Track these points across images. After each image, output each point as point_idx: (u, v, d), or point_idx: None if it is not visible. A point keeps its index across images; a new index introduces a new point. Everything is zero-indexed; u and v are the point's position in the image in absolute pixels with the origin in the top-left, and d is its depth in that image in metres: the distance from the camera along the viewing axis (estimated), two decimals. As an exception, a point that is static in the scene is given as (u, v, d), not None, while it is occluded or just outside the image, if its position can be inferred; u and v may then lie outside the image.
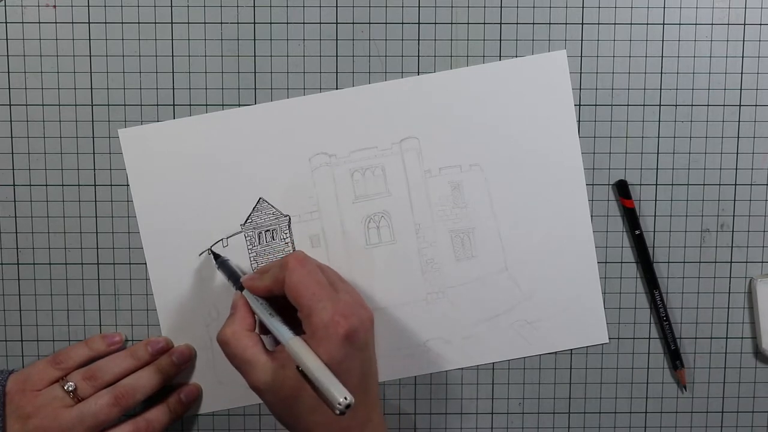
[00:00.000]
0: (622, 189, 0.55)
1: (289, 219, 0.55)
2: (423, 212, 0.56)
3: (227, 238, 0.55)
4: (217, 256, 0.54)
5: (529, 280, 0.56)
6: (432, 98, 0.55)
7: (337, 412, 0.43)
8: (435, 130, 0.55)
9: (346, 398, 0.43)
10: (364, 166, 0.55)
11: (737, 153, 0.56)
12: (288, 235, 0.55)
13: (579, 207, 0.56)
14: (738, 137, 0.55)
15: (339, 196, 0.55)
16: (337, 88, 0.55)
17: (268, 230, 0.55)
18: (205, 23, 0.54)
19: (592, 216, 0.56)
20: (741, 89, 0.55)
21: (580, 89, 0.55)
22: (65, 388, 0.52)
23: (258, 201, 0.55)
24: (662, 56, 0.55)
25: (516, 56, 0.54)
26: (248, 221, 0.55)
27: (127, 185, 0.55)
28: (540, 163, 0.55)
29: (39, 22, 0.54)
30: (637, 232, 0.55)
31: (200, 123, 0.55)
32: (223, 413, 0.57)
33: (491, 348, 0.57)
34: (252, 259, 0.55)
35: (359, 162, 0.55)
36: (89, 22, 0.54)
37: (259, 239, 0.55)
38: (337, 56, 0.55)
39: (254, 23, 0.54)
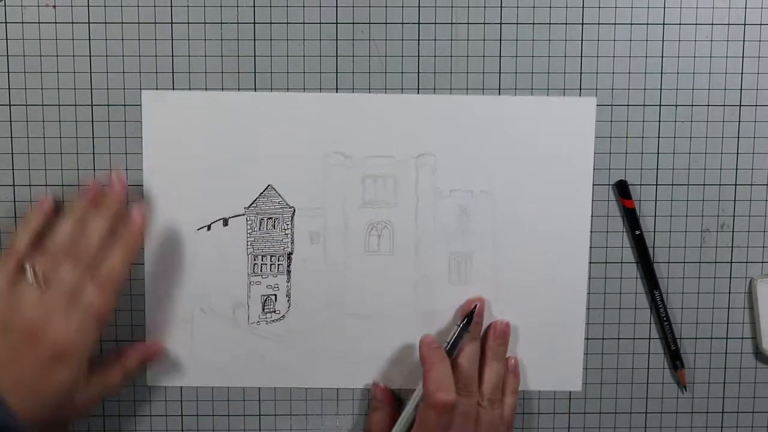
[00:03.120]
0: (622, 189, 0.55)
1: (294, 211, 0.55)
2: (426, 229, 0.56)
3: (229, 218, 0.55)
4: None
5: (516, 315, 0.56)
6: (457, 119, 0.55)
7: None
8: (454, 151, 0.55)
9: None
10: (377, 173, 0.55)
11: (737, 153, 0.56)
12: (289, 227, 0.55)
13: (579, 252, 0.56)
14: (738, 137, 0.55)
15: (347, 198, 0.55)
16: (337, 89, 0.55)
17: (270, 218, 0.55)
18: (205, 23, 0.54)
19: (592, 217, 0.56)
20: (741, 89, 0.55)
21: (581, 89, 0.55)
22: (27, 269, 0.49)
23: (266, 187, 0.55)
24: (662, 56, 0.55)
25: (516, 56, 0.54)
26: (253, 205, 0.55)
27: (127, 185, 0.55)
28: (549, 202, 0.55)
29: (39, 22, 0.54)
30: (637, 232, 0.55)
31: (225, 99, 0.54)
32: (223, 414, 0.57)
33: None
34: (249, 244, 0.55)
35: (373, 168, 0.55)
36: (89, 22, 0.54)
37: (260, 225, 0.55)
38: (337, 56, 0.55)
39: (254, 23, 0.54)
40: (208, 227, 0.55)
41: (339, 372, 0.57)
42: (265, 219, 0.55)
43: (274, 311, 0.56)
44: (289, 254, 0.56)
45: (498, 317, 0.56)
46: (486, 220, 0.55)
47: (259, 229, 0.55)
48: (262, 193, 0.55)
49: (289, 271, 0.56)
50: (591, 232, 0.56)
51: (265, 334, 0.56)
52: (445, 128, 0.55)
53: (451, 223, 0.56)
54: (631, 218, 0.55)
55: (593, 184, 0.56)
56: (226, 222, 0.55)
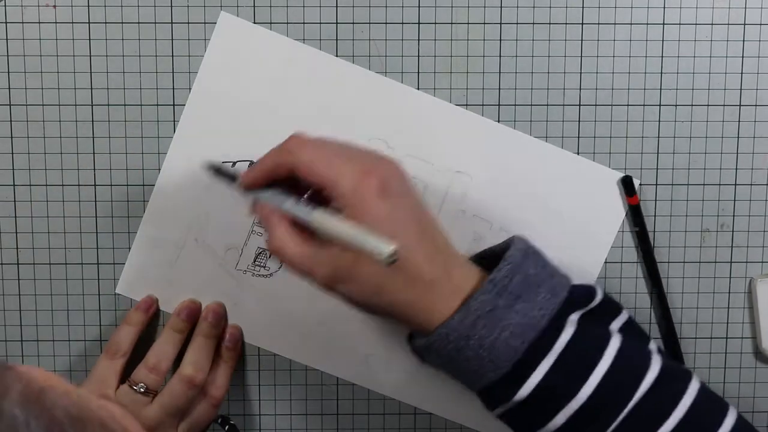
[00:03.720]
0: (627, 186, 0.55)
1: None
2: None
3: (243, 161, 0.54)
4: (212, 166, 0.50)
5: None
6: (502, 149, 0.55)
7: (386, 263, 0.39)
8: (490, 179, 0.55)
9: (381, 252, 0.39)
10: (411, 174, 0.55)
11: (737, 153, 0.56)
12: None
13: None
14: (738, 137, 0.55)
15: None
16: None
17: None
18: (204, 23, 0.54)
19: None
20: (741, 89, 0.55)
21: (581, 89, 0.55)
22: (137, 389, 0.52)
23: None
24: (662, 56, 0.55)
25: (516, 56, 0.54)
26: None
27: (127, 185, 0.55)
28: (561, 261, 0.55)
29: (39, 22, 0.54)
30: (636, 229, 0.55)
31: (300, 52, 0.54)
32: (222, 413, 0.57)
33: (421, 393, 0.57)
34: None
35: (409, 167, 0.54)
36: (89, 22, 0.54)
37: None
38: (337, 56, 0.55)
39: (254, 23, 0.54)
40: (233, 164, 0.55)
41: (302, 347, 0.56)
42: None
43: (264, 267, 0.56)
44: None
45: None
46: None
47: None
48: None
49: None
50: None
51: (247, 285, 0.56)
52: (488, 154, 0.55)
53: (461, 246, 0.55)
54: (635, 215, 0.55)
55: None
56: (232, 165, 0.54)
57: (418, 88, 0.55)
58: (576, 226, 0.55)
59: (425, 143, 0.55)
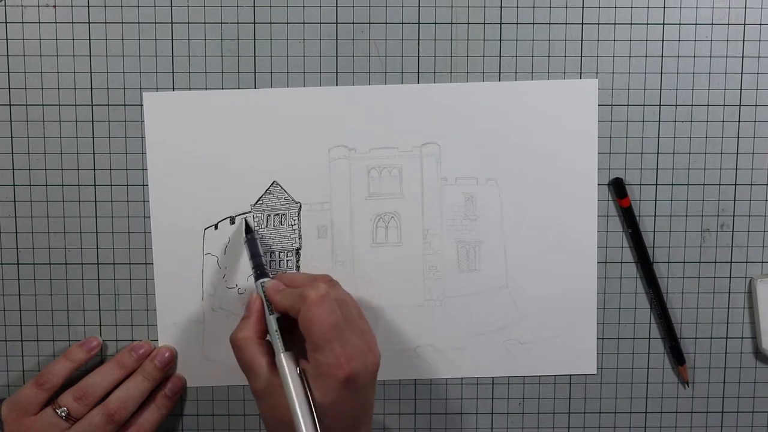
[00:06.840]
0: (617, 188, 0.55)
1: (300, 206, 0.55)
2: (433, 219, 0.56)
3: (236, 216, 0.55)
4: (248, 230, 0.54)
5: (528, 300, 0.56)
6: (459, 107, 0.55)
7: None
8: (457, 139, 0.55)
9: None
10: (381, 165, 0.55)
11: (737, 153, 0.56)
12: (296, 222, 0.55)
13: (587, 235, 0.56)
14: (738, 137, 0.56)
15: (352, 191, 0.55)
16: (337, 87, 0.55)
17: (277, 214, 0.55)
18: (205, 23, 0.54)
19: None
20: (741, 89, 0.55)
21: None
22: (58, 413, 0.52)
23: (272, 184, 0.55)
24: (662, 56, 0.55)
25: (516, 56, 0.54)
26: (259, 202, 0.55)
27: (127, 185, 0.55)
28: (555, 187, 0.55)
29: (39, 22, 0.54)
30: (629, 230, 0.55)
31: (226, 98, 0.54)
32: (223, 413, 0.57)
33: (480, 363, 0.57)
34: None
35: (378, 160, 0.55)
36: (89, 22, 0.54)
37: (267, 222, 0.55)
38: (337, 56, 0.55)
39: (254, 23, 0.54)
40: (216, 226, 0.55)
41: None
42: (272, 215, 0.55)
43: None
44: (297, 249, 0.56)
45: (510, 303, 0.56)
46: (492, 206, 0.55)
47: (267, 226, 0.55)
48: (267, 189, 0.55)
49: (298, 267, 0.56)
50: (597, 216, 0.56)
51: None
52: (447, 117, 0.55)
53: (457, 211, 0.56)
54: (628, 217, 0.55)
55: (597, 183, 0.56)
56: (233, 220, 0.55)
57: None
58: (557, 147, 0.55)
59: (383, 131, 0.55)
